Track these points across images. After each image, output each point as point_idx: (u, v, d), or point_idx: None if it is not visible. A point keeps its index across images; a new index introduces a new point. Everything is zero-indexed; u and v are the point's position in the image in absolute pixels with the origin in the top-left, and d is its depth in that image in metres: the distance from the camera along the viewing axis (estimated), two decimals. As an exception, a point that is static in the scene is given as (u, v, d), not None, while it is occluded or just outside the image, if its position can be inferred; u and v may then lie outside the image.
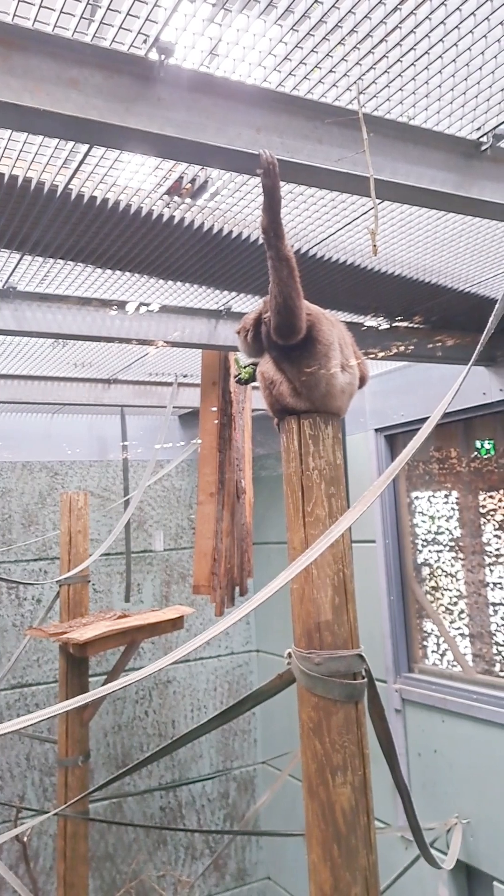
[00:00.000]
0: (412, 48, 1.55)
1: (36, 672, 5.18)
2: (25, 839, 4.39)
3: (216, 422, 3.68)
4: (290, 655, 1.72)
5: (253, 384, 3.90)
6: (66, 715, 4.22)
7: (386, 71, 1.60)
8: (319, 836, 1.66)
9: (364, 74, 1.60)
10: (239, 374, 2.11)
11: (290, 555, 1.73)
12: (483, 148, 1.84)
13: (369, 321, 3.23)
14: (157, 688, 5.66)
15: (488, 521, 4.08)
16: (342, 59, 1.56)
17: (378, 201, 1.66)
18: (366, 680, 1.68)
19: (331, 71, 1.59)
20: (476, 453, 4.13)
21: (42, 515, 5.33)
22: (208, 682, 5.88)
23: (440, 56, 1.58)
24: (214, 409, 3.69)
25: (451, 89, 1.68)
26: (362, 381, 1.90)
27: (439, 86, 1.66)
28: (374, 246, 1.52)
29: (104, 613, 4.57)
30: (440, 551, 4.36)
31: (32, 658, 5.17)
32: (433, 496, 4.42)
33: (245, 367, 2.14)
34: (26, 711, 5.03)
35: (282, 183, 1.58)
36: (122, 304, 2.90)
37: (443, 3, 1.46)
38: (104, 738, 5.39)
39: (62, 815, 4.05)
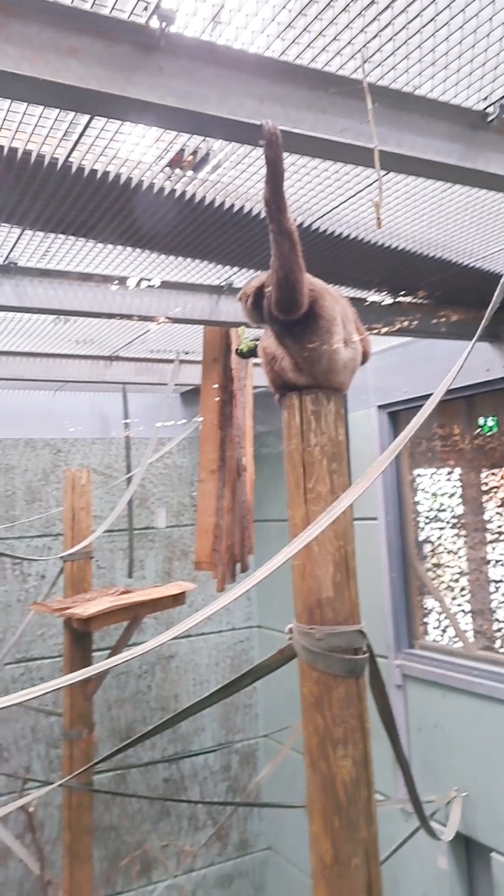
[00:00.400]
0: (418, 15, 1.52)
1: (41, 646, 5.22)
2: (31, 809, 4.45)
3: (217, 399, 3.67)
4: (291, 631, 1.73)
5: (254, 359, 3.89)
6: (70, 688, 4.26)
7: (391, 39, 1.57)
8: (320, 807, 1.68)
9: (369, 42, 1.57)
10: (240, 346, 2.09)
11: (292, 531, 1.73)
12: (489, 119, 1.80)
13: (372, 296, 3.21)
14: (160, 662, 5.71)
15: (490, 498, 4.08)
16: (347, 26, 1.53)
17: (382, 173, 1.63)
18: (367, 655, 1.69)
19: (335, 39, 1.55)
20: (479, 430, 4.12)
21: (45, 492, 5.34)
22: (210, 658, 5.93)
23: (446, 23, 1.55)
24: (216, 386, 3.67)
25: (458, 58, 1.64)
26: (364, 357, 1.88)
27: (445, 54, 1.63)
28: (378, 219, 1.50)
29: (107, 589, 4.60)
30: (442, 528, 4.37)
31: (37, 633, 5.20)
32: (436, 473, 4.42)
33: (246, 339, 2.12)
34: (31, 685, 5.08)
35: (285, 154, 1.56)
36: (123, 280, 2.87)
37: (450, -31, 1.42)
38: (108, 711, 5.45)
39: (67, 786, 4.11)
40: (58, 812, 5.03)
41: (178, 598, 4.50)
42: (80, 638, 4.29)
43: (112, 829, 5.42)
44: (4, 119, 1.73)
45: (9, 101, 1.64)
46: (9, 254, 2.59)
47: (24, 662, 5.16)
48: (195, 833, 5.74)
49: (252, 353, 2.09)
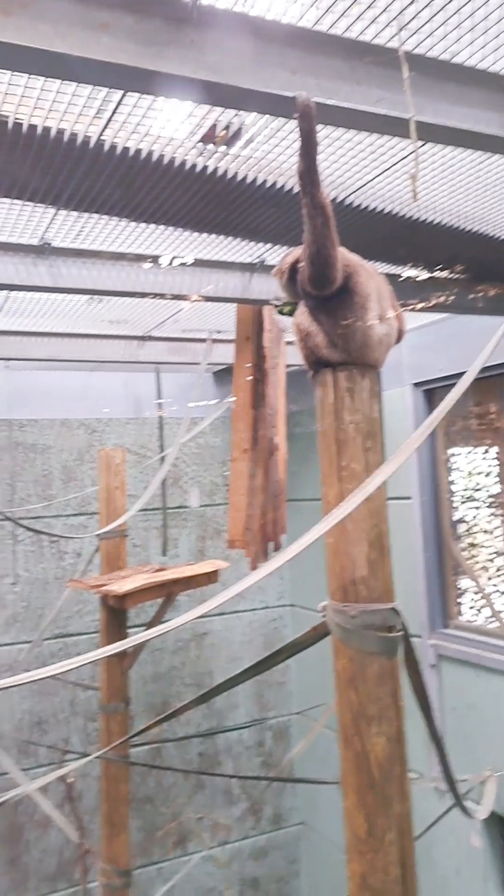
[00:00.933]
0: (456, -21, 1.48)
1: (77, 623, 5.31)
2: (70, 780, 4.56)
3: (250, 378, 3.66)
4: (325, 609, 1.73)
5: (287, 338, 3.86)
6: (107, 664, 4.34)
7: (428, 4, 1.52)
8: (354, 783, 1.69)
9: (405, 9, 1.53)
10: (280, 307, 2.06)
11: (325, 509, 1.72)
12: (530, 86, 1.75)
13: (408, 271, 3.16)
14: (194, 639, 5.77)
15: (527, 476, 4.02)
16: (382, -8, 1.49)
17: (419, 144, 1.60)
18: (401, 633, 1.69)
19: (370, 6, 1.52)
20: (516, 408, 4.05)
21: (81, 471, 5.40)
22: (243, 635, 5.97)
23: (485, -12, 1.51)
24: (248, 365, 3.66)
25: (497, 23, 1.59)
26: (399, 335, 1.86)
27: (484, 19, 1.58)
28: (415, 191, 1.47)
29: (142, 567, 4.65)
30: (478, 508, 4.32)
31: (74, 609, 5.29)
32: (471, 452, 4.37)
33: (278, 300, 2.10)
34: (68, 660, 5.17)
35: (318, 127, 1.53)
36: (155, 259, 2.87)
37: None
38: (143, 686, 5.53)
39: (105, 758, 4.20)
40: (96, 783, 5.15)
41: (211, 577, 4.54)
42: (116, 614, 4.36)
43: (148, 800, 5.53)
44: (38, 98, 1.73)
45: (42, 79, 1.64)
46: (43, 234, 2.60)
47: (62, 638, 5.26)
48: (229, 807, 5.82)
49: (292, 312, 2.05)
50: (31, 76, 1.63)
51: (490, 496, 4.24)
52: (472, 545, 4.37)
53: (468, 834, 4.07)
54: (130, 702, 4.53)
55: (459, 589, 4.48)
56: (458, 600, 4.48)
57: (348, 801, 1.71)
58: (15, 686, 1.35)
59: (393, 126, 1.64)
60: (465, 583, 4.44)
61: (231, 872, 5.81)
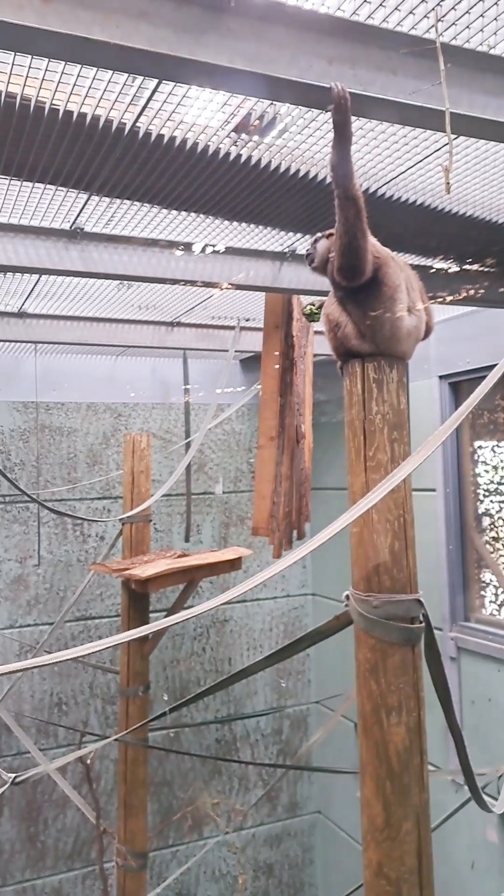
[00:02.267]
0: (496, -31, 1.46)
1: (99, 606, 5.37)
2: (88, 762, 4.62)
3: (278, 366, 3.66)
4: (347, 598, 1.74)
5: (316, 328, 3.86)
6: (128, 647, 4.38)
7: (467, -5, 1.51)
8: (373, 772, 1.71)
9: (443, 0, 1.52)
10: (305, 308, 2.09)
11: (351, 499, 1.73)
12: None
13: (438, 263, 3.14)
14: (215, 626, 5.81)
15: (554, 472, 3.99)
16: (421, -18, 1.48)
17: (453, 136, 1.59)
18: (423, 624, 1.70)
19: (408, -4, 1.51)
20: (544, 403, 4.02)
21: (106, 455, 5.45)
22: (264, 623, 6.00)
23: (526, -22, 1.49)
24: (276, 353, 3.67)
25: (537, 14, 1.58)
26: (428, 330, 1.86)
27: (524, 10, 1.57)
28: (448, 183, 1.47)
29: (165, 552, 4.68)
30: (502, 502, 4.29)
31: (96, 592, 5.36)
32: (497, 445, 4.34)
33: (311, 305, 2.13)
34: (90, 642, 5.24)
35: (353, 118, 1.53)
36: (187, 246, 2.88)
37: None
38: (163, 671, 5.59)
39: (123, 741, 4.25)
40: (114, 766, 5.22)
41: (234, 564, 4.56)
42: (138, 598, 4.40)
43: (165, 784, 5.60)
44: (74, 84, 1.74)
45: (79, 66, 1.65)
46: (76, 219, 2.62)
47: (83, 621, 5.32)
48: (246, 793, 5.87)
49: (315, 316, 2.09)
50: (69, 63, 1.64)
51: (515, 491, 4.21)
52: (496, 538, 4.35)
53: (484, 828, 4.07)
54: (150, 686, 4.59)
55: (482, 582, 4.46)
56: (481, 593, 4.47)
57: (366, 789, 1.73)
58: (38, 667, 1.38)
59: (427, 118, 1.64)
60: (487, 576, 4.43)
61: (245, 858, 5.87)
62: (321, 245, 1.85)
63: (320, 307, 1.93)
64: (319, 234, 1.93)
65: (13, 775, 3.12)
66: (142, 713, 4.39)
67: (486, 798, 2.76)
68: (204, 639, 5.78)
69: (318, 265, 1.87)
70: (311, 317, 2.13)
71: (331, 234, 1.79)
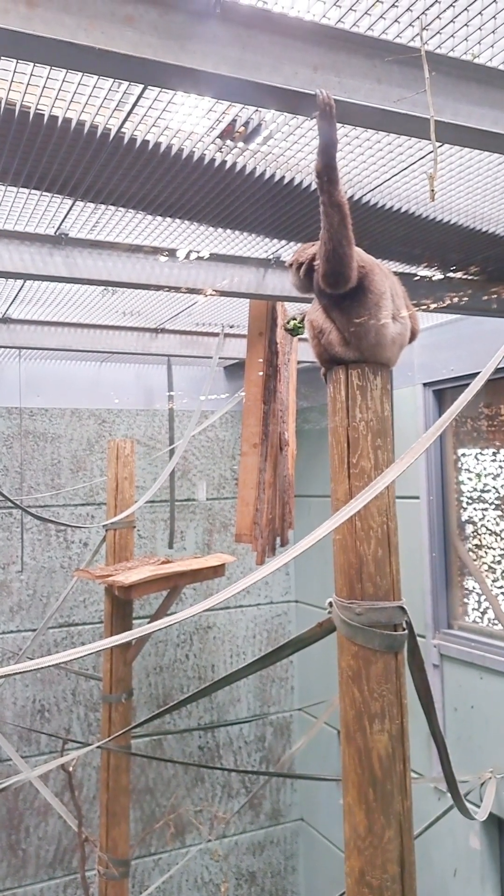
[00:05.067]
0: (480, -20, 1.48)
1: (82, 612, 5.34)
2: (71, 769, 4.59)
3: (261, 373, 3.67)
4: (331, 605, 1.74)
5: (300, 336, 3.86)
6: (110, 654, 4.36)
7: (451, 5, 1.52)
8: (355, 779, 1.70)
9: (428, 9, 1.53)
10: (288, 323, 2.09)
11: (334, 506, 1.73)
12: (550, 89, 1.75)
13: (422, 271, 3.16)
14: (198, 633, 5.79)
15: (536, 480, 4.01)
16: (405, -8, 1.49)
17: (438, 144, 1.60)
18: (406, 631, 1.70)
19: (393, 5, 1.52)
20: (527, 411, 4.04)
21: (90, 461, 5.42)
22: (247, 630, 5.99)
23: (509, -11, 1.50)
24: (260, 360, 3.67)
25: (520, 25, 1.59)
26: (413, 334, 1.87)
27: (507, 21, 1.58)
28: (432, 191, 1.48)
29: (148, 558, 4.66)
30: (485, 509, 4.32)
31: (79, 599, 5.32)
32: (480, 453, 4.36)
33: (294, 319, 2.13)
34: (73, 648, 5.20)
35: (338, 125, 1.54)
36: (172, 252, 2.88)
37: None
38: (146, 678, 5.56)
39: (105, 747, 4.22)
40: (96, 773, 5.18)
41: (217, 570, 4.55)
42: (121, 605, 4.38)
43: (148, 791, 5.56)
44: (59, 89, 1.73)
45: (63, 70, 1.65)
46: (60, 225, 2.61)
47: (66, 627, 5.29)
48: (228, 800, 5.85)
49: (299, 330, 2.09)
50: (54, 67, 1.63)
51: (498, 498, 4.23)
52: (479, 546, 4.37)
53: (467, 835, 4.08)
54: (133, 693, 4.56)
55: (465, 589, 4.48)
56: (464, 601, 4.48)
57: (349, 796, 1.72)
58: (20, 673, 1.36)
59: (412, 126, 1.64)
60: (470, 584, 4.44)
61: (228, 866, 5.84)
62: (308, 250, 1.84)
63: (302, 321, 1.93)
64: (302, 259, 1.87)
65: (-7, 784, 3.08)
66: (124, 720, 4.37)
67: (468, 805, 2.76)
68: (187, 646, 5.76)
69: (300, 281, 1.85)
70: (294, 331, 2.13)
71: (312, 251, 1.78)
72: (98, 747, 4.25)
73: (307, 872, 6.10)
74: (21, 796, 5.11)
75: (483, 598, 4.33)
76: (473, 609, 4.42)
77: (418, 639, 1.76)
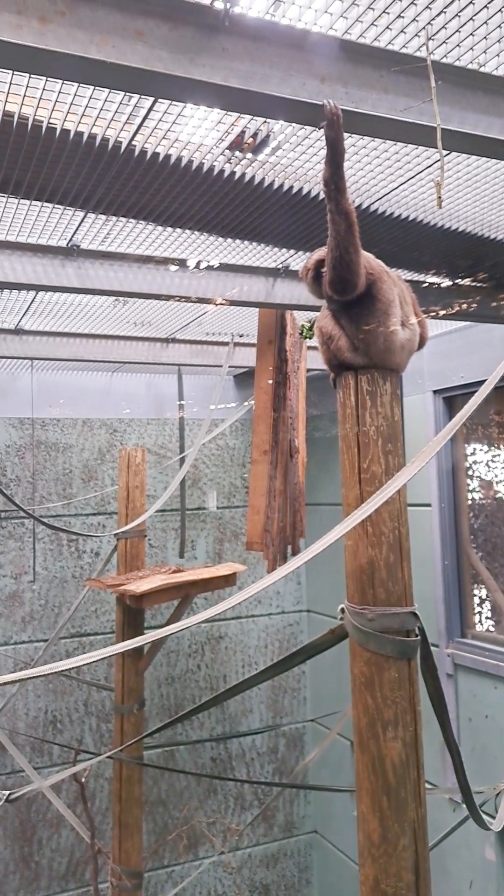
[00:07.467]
0: (485, -10, 1.49)
1: (94, 622, 5.35)
2: (83, 780, 4.59)
3: (271, 381, 3.68)
4: (342, 611, 1.74)
5: (309, 343, 3.88)
6: (122, 664, 4.36)
7: (457, 15, 1.54)
8: (369, 787, 1.70)
9: (434, 19, 1.55)
10: (301, 329, 2.10)
11: (345, 511, 1.73)
12: None
13: (431, 278, 3.16)
14: (210, 643, 5.79)
15: (548, 487, 3.99)
16: (411, 2, 1.51)
17: (445, 153, 1.62)
18: (419, 638, 1.69)
19: (399, 16, 1.54)
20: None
21: (101, 471, 5.44)
22: (259, 640, 5.98)
23: (514, -2, 1.52)
24: (270, 368, 3.68)
25: (525, 34, 1.61)
26: (422, 341, 1.87)
27: (512, 30, 1.60)
28: (439, 198, 1.49)
29: (160, 567, 4.67)
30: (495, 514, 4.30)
31: (91, 608, 5.33)
32: (492, 461, 4.35)
33: (307, 323, 2.14)
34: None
35: (345, 135, 1.55)
36: (182, 262, 2.90)
37: None
38: (158, 688, 5.55)
39: (117, 758, 4.21)
40: (108, 784, 5.17)
41: (228, 579, 4.55)
42: (133, 614, 4.38)
43: (160, 803, 5.54)
44: (71, 103, 1.76)
45: (75, 84, 1.67)
46: (72, 237, 2.64)
47: (78, 637, 5.29)
48: (241, 812, 5.82)
49: (310, 334, 2.10)
50: (66, 82, 1.66)
51: (510, 506, 4.22)
52: (491, 554, 4.35)
53: (482, 846, 4.04)
54: (145, 703, 4.55)
55: (478, 598, 4.46)
56: (477, 609, 4.46)
57: (362, 804, 1.72)
58: (31, 678, 1.37)
59: (419, 135, 1.66)
60: (484, 592, 4.42)
61: (241, 878, 5.80)
62: (315, 255, 1.85)
63: (311, 327, 1.94)
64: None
65: (7, 793, 3.09)
66: (136, 730, 4.36)
67: (483, 816, 2.74)
68: (199, 656, 5.75)
69: (310, 287, 1.87)
70: (304, 334, 2.14)
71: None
72: (110, 757, 4.25)
73: (321, 885, 6.06)
74: (34, 808, 5.11)
75: (495, 606, 4.31)
76: (487, 618, 4.39)
77: (432, 648, 1.76)
